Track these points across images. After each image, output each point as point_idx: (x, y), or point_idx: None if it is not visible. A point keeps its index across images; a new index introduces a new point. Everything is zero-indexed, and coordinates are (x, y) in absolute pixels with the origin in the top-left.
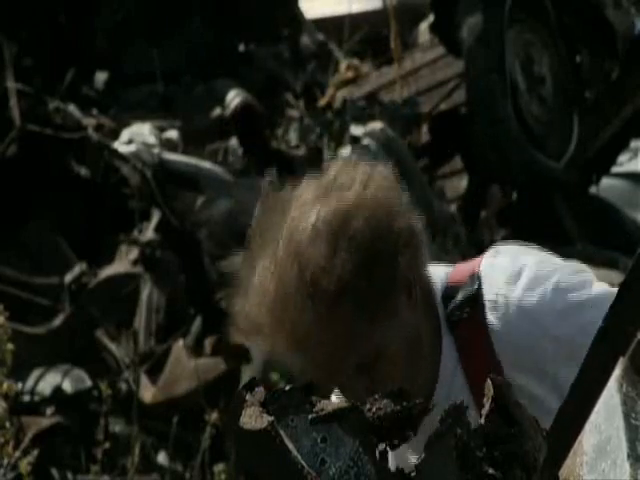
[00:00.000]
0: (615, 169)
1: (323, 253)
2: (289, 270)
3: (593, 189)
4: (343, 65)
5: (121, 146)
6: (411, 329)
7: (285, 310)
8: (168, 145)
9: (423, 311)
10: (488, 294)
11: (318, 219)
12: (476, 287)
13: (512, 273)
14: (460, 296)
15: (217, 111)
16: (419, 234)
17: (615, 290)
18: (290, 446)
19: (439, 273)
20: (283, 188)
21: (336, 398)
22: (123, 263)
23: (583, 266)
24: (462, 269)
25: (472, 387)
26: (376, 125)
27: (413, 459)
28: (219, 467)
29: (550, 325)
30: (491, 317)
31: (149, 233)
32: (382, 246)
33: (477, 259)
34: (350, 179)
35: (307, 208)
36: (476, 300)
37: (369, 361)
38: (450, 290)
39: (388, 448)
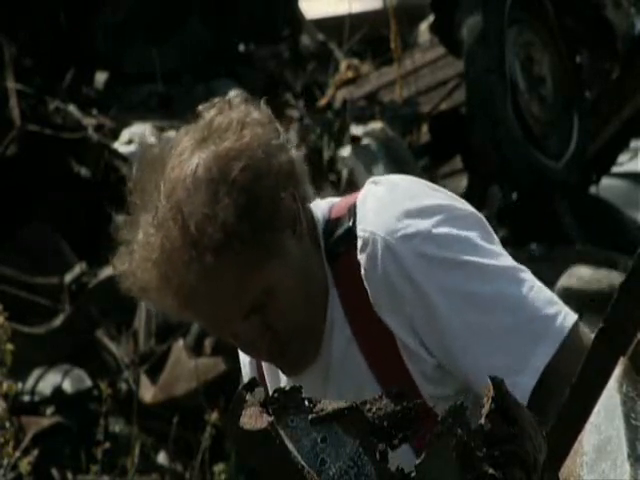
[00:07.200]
0: (615, 169)
1: (205, 201)
2: (172, 223)
3: (593, 189)
4: (343, 65)
5: (121, 146)
6: (299, 262)
7: (171, 264)
8: None
9: (309, 244)
10: (359, 228)
11: (198, 167)
12: (352, 221)
13: (383, 205)
14: (339, 231)
15: None
16: (300, 166)
17: (510, 264)
18: (290, 446)
19: (322, 207)
20: (161, 141)
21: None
22: None
23: (476, 215)
24: (344, 202)
25: (351, 324)
26: (376, 125)
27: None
28: (219, 467)
29: (410, 268)
30: (361, 254)
31: None
32: (264, 186)
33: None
34: (227, 121)
35: (186, 156)
36: (351, 235)
37: (261, 302)
38: (331, 224)
39: (388, 448)
